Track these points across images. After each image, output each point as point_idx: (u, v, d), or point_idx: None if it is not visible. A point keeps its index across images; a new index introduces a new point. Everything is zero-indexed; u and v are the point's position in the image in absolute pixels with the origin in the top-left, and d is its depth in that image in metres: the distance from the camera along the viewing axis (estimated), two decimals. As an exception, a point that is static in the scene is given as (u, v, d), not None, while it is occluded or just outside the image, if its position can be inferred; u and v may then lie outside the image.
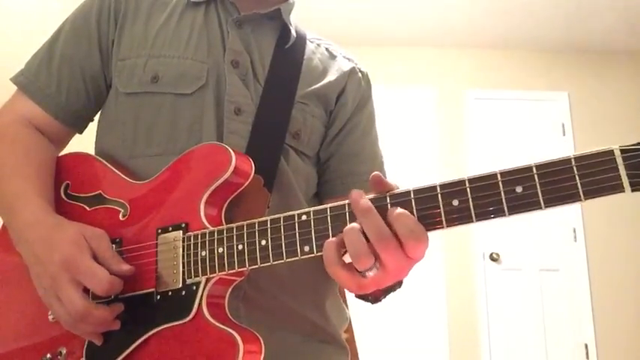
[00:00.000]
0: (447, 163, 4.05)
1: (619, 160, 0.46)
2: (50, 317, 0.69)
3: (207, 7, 0.85)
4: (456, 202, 0.51)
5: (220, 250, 0.62)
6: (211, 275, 0.62)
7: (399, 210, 0.52)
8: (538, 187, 0.48)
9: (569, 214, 3.92)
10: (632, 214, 3.89)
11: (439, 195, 0.52)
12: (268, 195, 0.72)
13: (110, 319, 0.63)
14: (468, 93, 4.25)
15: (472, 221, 0.51)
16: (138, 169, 0.76)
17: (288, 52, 0.86)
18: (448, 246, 3.89)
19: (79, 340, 0.66)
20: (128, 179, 0.74)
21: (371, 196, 0.55)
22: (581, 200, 0.47)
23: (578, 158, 0.47)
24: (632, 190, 0.45)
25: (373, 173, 0.55)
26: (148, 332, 0.63)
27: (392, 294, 0.75)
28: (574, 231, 3.95)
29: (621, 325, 3.78)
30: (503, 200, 0.49)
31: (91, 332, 0.64)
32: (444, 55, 4.33)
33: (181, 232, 0.65)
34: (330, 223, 0.56)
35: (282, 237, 0.58)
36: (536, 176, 0.49)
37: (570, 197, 0.47)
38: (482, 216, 0.50)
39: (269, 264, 0.59)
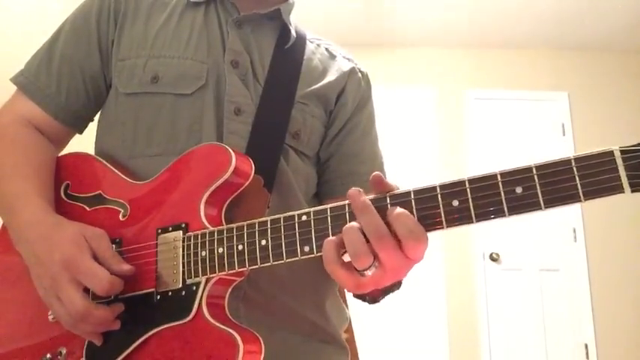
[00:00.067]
0: (447, 163, 4.05)
1: (619, 161, 0.46)
2: (50, 317, 0.69)
3: (207, 7, 0.85)
4: (455, 203, 0.51)
5: (220, 250, 0.62)
6: (211, 275, 0.62)
7: (399, 210, 0.52)
8: (538, 187, 0.48)
9: (569, 214, 3.92)
10: (632, 214, 3.89)
11: (439, 195, 0.52)
12: (268, 195, 0.72)
13: (110, 319, 0.63)
14: (468, 93, 4.25)
15: (472, 222, 0.51)
16: (138, 170, 0.76)
17: (288, 53, 0.86)
18: (448, 246, 3.89)
19: (79, 340, 0.66)
20: (128, 179, 0.74)
21: (371, 196, 0.55)
22: (581, 201, 0.47)
23: (578, 159, 0.47)
24: (632, 191, 0.45)
25: (374, 173, 0.55)
26: (148, 332, 0.63)
27: (390, 295, 0.75)
28: (574, 231, 3.95)
29: (621, 325, 3.78)
30: (503, 201, 0.49)
31: (91, 332, 0.64)
32: (444, 55, 4.33)
33: (181, 232, 0.65)
34: (330, 224, 0.56)
35: (282, 237, 0.58)
36: (536, 177, 0.49)
37: (570, 198, 0.47)
38: (483, 216, 0.50)
39: (269, 264, 0.59)
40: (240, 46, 0.82)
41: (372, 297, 0.74)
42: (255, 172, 0.68)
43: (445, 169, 4.01)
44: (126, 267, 0.65)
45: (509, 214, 0.49)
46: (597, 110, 4.20)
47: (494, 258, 3.88)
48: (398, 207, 0.53)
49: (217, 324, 0.60)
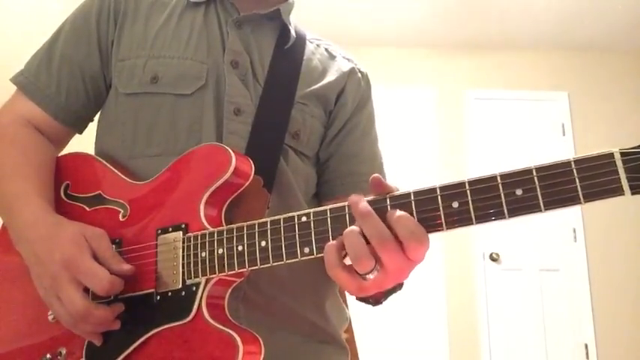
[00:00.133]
0: (447, 164, 4.05)
1: (619, 164, 0.46)
2: (50, 317, 0.69)
3: (207, 7, 0.85)
4: (455, 205, 0.51)
5: (220, 250, 0.62)
6: (211, 276, 0.62)
7: (400, 212, 0.52)
8: (538, 189, 0.48)
9: (569, 214, 3.92)
10: (632, 214, 3.89)
11: (439, 197, 0.52)
12: (268, 195, 0.72)
13: (110, 319, 0.63)
14: (468, 93, 4.25)
15: (472, 223, 0.50)
16: (138, 170, 0.76)
17: (288, 53, 0.86)
18: (448, 246, 3.89)
19: (79, 340, 0.66)
20: (128, 179, 0.74)
21: (370, 197, 0.55)
22: (580, 203, 0.47)
23: (578, 161, 0.47)
24: (632, 194, 0.45)
25: (373, 175, 0.55)
26: (148, 333, 0.63)
27: (392, 296, 0.75)
28: (574, 231, 3.95)
29: (621, 325, 3.78)
30: (503, 203, 0.49)
31: (91, 332, 0.64)
32: (444, 55, 4.33)
33: (181, 232, 0.65)
34: (330, 225, 0.56)
35: (282, 238, 0.58)
36: (536, 179, 0.49)
37: (570, 200, 0.47)
38: (482, 218, 0.50)
39: (269, 265, 0.59)
40: (240, 47, 0.82)
41: (375, 299, 0.74)
42: (254, 173, 0.68)
43: (445, 170, 4.01)
44: (126, 267, 0.65)
45: (509, 216, 0.49)
46: (597, 110, 4.20)
47: (494, 258, 3.88)
48: (398, 209, 0.53)
49: (217, 325, 0.60)
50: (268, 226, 0.59)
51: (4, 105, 0.85)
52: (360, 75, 0.94)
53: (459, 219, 0.51)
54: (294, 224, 0.58)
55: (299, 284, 0.77)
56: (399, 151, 3.94)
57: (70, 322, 0.63)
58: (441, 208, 0.52)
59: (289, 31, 0.88)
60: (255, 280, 0.71)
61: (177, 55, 0.80)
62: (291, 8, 0.91)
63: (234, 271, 0.61)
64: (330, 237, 0.56)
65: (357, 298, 0.72)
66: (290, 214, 0.59)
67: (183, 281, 0.63)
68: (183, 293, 0.63)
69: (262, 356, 0.59)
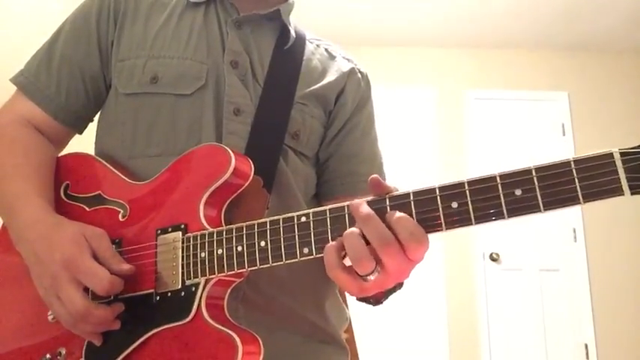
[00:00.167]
0: (447, 164, 4.05)
1: (618, 164, 0.45)
2: (50, 317, 0.69)
3: (207, 7, 0.85)
4: (455, 205, 0.51)
5: (220, 251, 0.62)
6: (210, 276, 0.62)
7: (399, 213, 0.52)
8: (537, 190, 0.48)
9: (569, 214, 3.92)
10: (632, 214, 3.89)
11: (438, 197, 0.52)
12: (268, 196, 0.72)
13: (110, 318, 0.63)
14: (468, 93, 4.25)
15: (471, 224, 0.50)
16: (137, 170, 0.76)
17: (288, 53, 0.86)
18: (448, 246, 3.89)
19: (79, 341, 0.66)
20: (128, 180, 0.74)
21: (370, 198, 0.55)
22: (580, 203, 0.47)
23: (577, 161, 0.47)
24: (632, 194, 0.45)
25: (372, 176, 0.55)
26: (147, 333, 0.63)
27: (393, 295, 0.75)
28: (574, 231, 3.95)
29: (621, 325, 3.78)
30: (503, 203, 0.49)
31: (91, 332, 0.64)
32: (444, 55, 4.33)
33: (181, 233, 0.65)
34: (329, 225, 0.56)
35: (282, 239, 0.58)
36: (535, 179, 0.49)
37: (570, 200, 0.47)
38: (482, 219, 0.50)
39: (268, 265, 0.59)
40: (240, 47, 0.82)
41: (376, 299, 0.74)
42: (254, 173, 0.68)
43: (445, 170, 4.01)
44: (126, 267, 0.65)
45: (509, 217, 0.49)
46: (597, 110, 4.20)
47: (494, 258, 3.88)
48: (398, 211, 0.52)
49: (216, 325, 0.59)
50: (268, 227, 0.59)
51: (4, 105, 0.85)
52: (359, 75, 0.93)
53: (458, 219, 0.51)
54: (294, 224, 0.58)
55: (298, 284, 0.77)
56: (399, 151, 3.94)
57: (69, 322, 0.63)
58: (440, 209, 0.52)
59: (289, 31, 0.88)
60: (255, 281, 0.71)
61: (177, 55, 0.79)
62: (291, 8, 0.91)
63: (233, 272, 0.61)
64: (330, 237, 0.55)
65: (357, 298, 0.72)
66: (289, 215, 0.59)
67: (183, 281, 0.63)
68: (183, 293, 0.63)
69: (262, 356, 0.59)
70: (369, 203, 0.54)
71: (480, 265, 3.90)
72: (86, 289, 0.63)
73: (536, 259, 3.89)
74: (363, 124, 0.91)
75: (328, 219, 0.56)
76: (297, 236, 0.57)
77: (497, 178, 0.50)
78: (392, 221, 0.52)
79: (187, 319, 0.61)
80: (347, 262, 0.54)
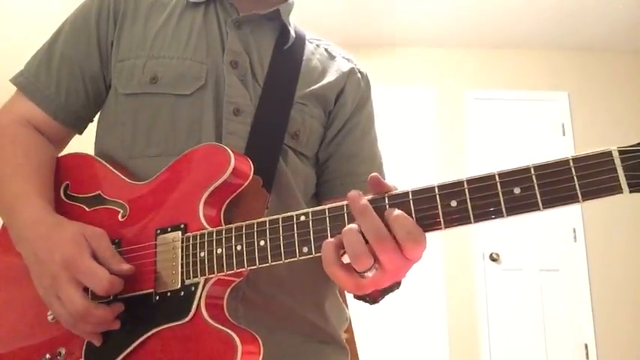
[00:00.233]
0: (447, 163, 4.05)
1: (617, 162, 0.45)
2: (50, 317, 0.69)
3: (207, 7, 0.85)
4: (454, 203, 0.51)
5: (219, 250, 0.62)
6: (210, 276, 0.62)
7: (397, 212, 0.52)
8: (536, 188, 0.48)
9: (569, 214, 3.92)
10: (632, 214, 3.88)
11: (437, 196, 0.52)
12: (267, 195, 0.72)
13: (110, 318, 0.63)
14: (468, 93, 4.25)
15: (470, 222, 0.50)
16: (137, 170, 0.76)
17: (288, 53, 0.86)
18: (448, 246, 3.89)
19: (78, 341, 0.66)
20: (127, 180, 0.74)
21: (369, 197, 0.55)
22: (579, 201, 0.47)
23: (576, 159, 0.47)
24: (631, 192, 0.45)
25: (371, 174, 0.55)
26: (147, 333, 0.63)
27: (390, 294, 0.75)
28: (574, 231, 3.95)
29: (621, 325, 3.78)
30: (502, 201, 0.49)
31: (91, 332, 0.64)
32: (444, 55, 4.33)
33: (180, 232, 0.65)
34: (328, 224, 0.56)
35: (281, 238, 0.58)
36: (534, 177, 0.49)
37: (568, 198, 0.47)
38: (481, 217, 0.50)
39: (267, 265, 0.59)
40: (240, 47, 0.82)
41: (372, 297, 0.74)
42: (254, 173, 0.68)
43: (445, 169, 4.01)
44: (126, 267, 0.65)
45: (508, 215, 0.49)
46: (597, 110, 4.20)
47: (494, 258, 3.88)
48: (396, 209, 0.53)
49: (216, 324, 0.60)
50: (267, 226, 0.59)
51: (4, 105, 0.85)
52: (359, 75, 0.93)
53: (457, 218, 0.51)
54: (293, 224, 0.58)
55: (298, 284, 0.77)
56: (399, 151, 3.94)
57: (69, 322, 0.63)
58: (439, 207, 0.52)
59: (289, 31, 0.88)
60: (255, 280, 0.71)
61: (177, 55, 0.80)
62: (290, 8, 0.91)
63: (233, 271, 0.61)
64: (329, 236, 0.55)
65: (354, 297, 0.72)
66: (289, 214, 0.59)
67: (182, 281, 0.63)
68: (182, 293, 0.63)
69: (261, 356, 0.59)
70: (369, 201, 0.54)
71: (480, 265, 3.90)
72: (86, 289, 0.63)
73: (536, 259, 3.89)
74: (362, 124, 0.91)
75: (327, 218, 0.56)
76: (296, 235, 0.57)
77: (496, 177, 0.50)
78: (390, 219, 0.52)
79: (187, 319, 0.61)
80: (345, 259, 0.54)
